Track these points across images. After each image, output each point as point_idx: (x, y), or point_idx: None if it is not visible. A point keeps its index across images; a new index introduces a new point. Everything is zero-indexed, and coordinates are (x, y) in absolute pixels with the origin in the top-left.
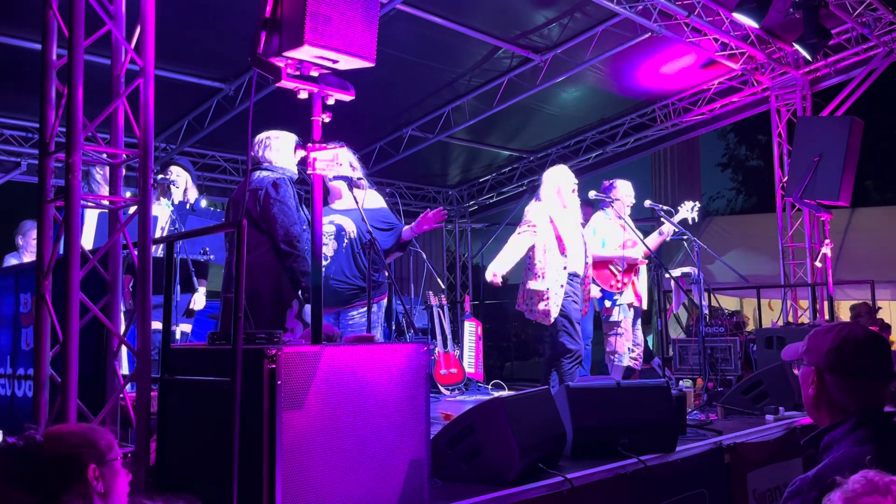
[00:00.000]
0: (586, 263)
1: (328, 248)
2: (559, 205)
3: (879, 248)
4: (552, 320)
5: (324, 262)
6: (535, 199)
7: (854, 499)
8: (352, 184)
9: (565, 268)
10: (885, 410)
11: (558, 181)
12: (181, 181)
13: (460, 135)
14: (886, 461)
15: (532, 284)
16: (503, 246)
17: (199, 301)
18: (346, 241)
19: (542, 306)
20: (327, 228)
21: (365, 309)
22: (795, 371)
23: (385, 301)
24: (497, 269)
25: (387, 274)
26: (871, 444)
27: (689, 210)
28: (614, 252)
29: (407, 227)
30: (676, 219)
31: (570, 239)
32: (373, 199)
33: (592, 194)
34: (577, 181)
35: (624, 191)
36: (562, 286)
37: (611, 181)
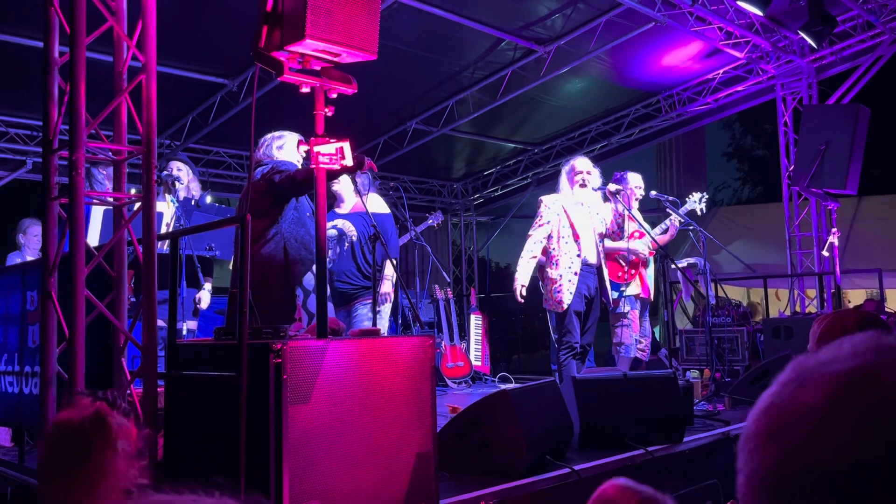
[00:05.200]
0: (599, 253)
1: (330, 252)
2: (570, 194)
3: (887, 237)
4: (564, 307)
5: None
6: (556, 191)
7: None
8: (354, 178)
9: (579, 255)
10: None
11: (567, 171)
12: (183, 176)
13: (464, 128)
14: None
15: (549, 270)
16: (508, 239)
17: (204, 299)
18: (347, 244)
19: (554, 294)
20: (329, 233)
21: (369, 303)
22: None
23: (391, 295)
24: (522, 281)
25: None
26: None
27: (697, 201)
28: (621, 243)
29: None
30: (684, 210)
31: (582, 228)
32: (375, 203)
33: (597, 184)
34: (589, 171)
35: (634, 182)
36: (575, 273)
37: (622, 172)
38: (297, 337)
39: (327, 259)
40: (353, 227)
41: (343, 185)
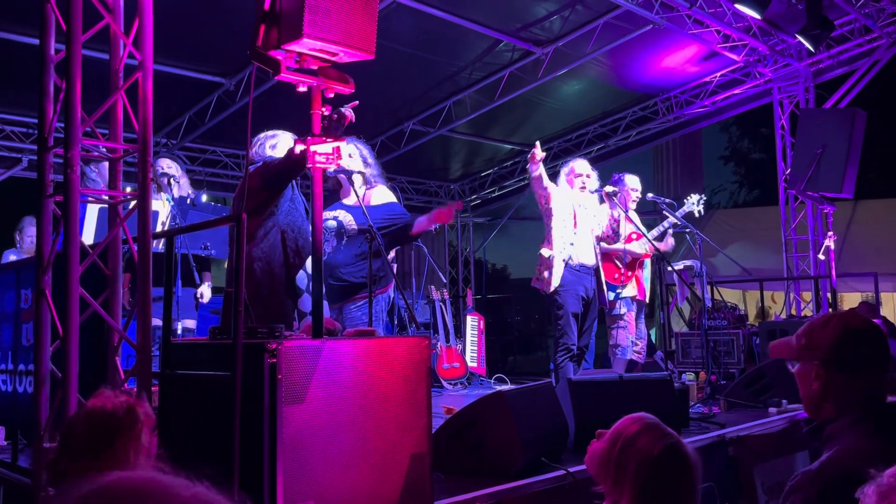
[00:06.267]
0: (596, 255)
1: (327, 245)
2: (569, 195)
3: (883, 240)
4: (551, 290)
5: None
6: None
7: (889, 493)
8: (351, 178)
9: (572, 244)
10: (887, 401)
11: (567, 172)
12: (174, 173)
13: (462, 129)
14: (881, 453)
15: (542, 251)
16: (505, 240)
17: (206, 294)
18: (345, 237)
19: (545, 274)
20: (329, 224)
21: (362, 301)
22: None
23: (388, 294)
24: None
25: (395, 266)
26: (878, 437)
27: (695, 203)
28: (618, 245)
29: (423, 217)
30: (682, 212)
31: (580, 229)
32: (381, 195)
33: (595, 186)
34: (588, 174)
35: (631, 184)
36: (564, 261)
37: (619, 174)
38: (293, 337)
39: (324, 252)
40: (353, 220)
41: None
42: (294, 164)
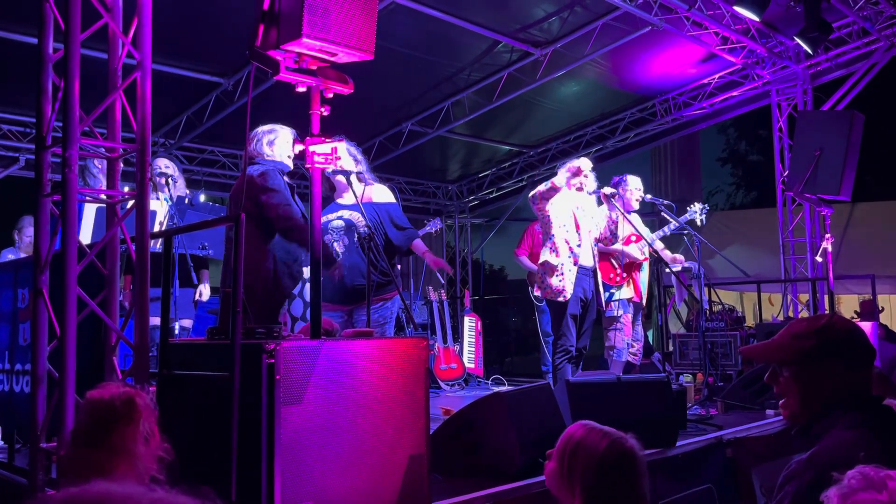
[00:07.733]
0: (594, 256)
1: (339, 245)
2: (567, 195)
3: (880, 243)
4: (567, 297)
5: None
6: None
7: (850, 494)
8: (349, 178)
9: (579, 245)
10: (872, 395)
11: (562, 171)
12: (171, 173)
13: (460, 129)
14: (880, 444)
15: (548, 257)
16: (502, 241)
17: (204, 293)
18: (356, 235)
19: (556, 282)
20: (336, 224)
21: (380, 304)
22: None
23: (398, 296)
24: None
25: (399, 267)
26: (864, 427)
27: (697, 212)
28: (616, 246)
29: (425, 247)
30: (684, 219)
31: (581, 227)
32: (381, 193)
33: (593, 188)
34: (586, 174)
35: (633, 184)
36: (574, 265)
37: (620, 176)
38: (291, 337)
39: (337, 252)
40: (360, 217)
41: (340, 177)
42: (288, 235)
